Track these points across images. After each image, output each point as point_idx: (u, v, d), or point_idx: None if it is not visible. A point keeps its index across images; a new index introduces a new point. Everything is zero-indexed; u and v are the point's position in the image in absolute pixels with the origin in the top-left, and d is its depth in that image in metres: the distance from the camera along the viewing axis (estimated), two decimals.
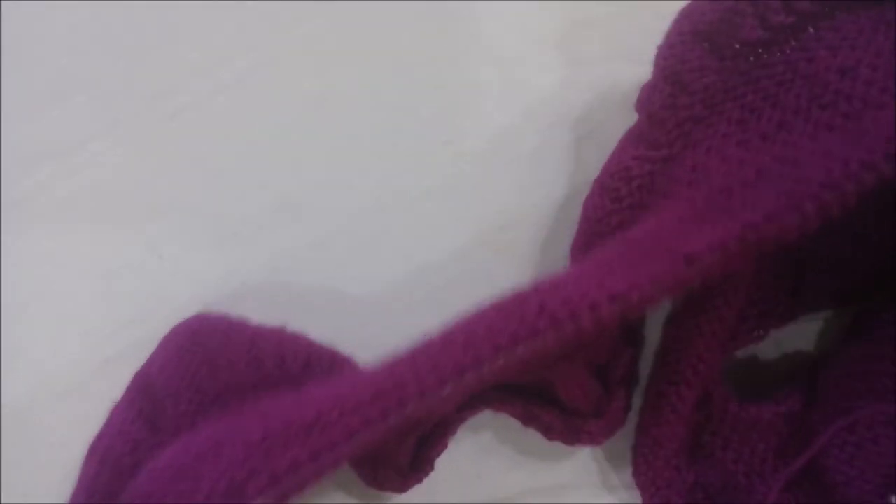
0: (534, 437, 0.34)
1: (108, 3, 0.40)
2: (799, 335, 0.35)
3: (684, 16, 0.28)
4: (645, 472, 0.32)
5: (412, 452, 0.30)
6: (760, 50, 0.25)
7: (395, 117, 0.38)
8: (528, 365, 0.19)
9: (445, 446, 0.32)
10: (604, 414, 0.31)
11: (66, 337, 0.35)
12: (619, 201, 0.28)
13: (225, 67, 0.40)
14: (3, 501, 0.32)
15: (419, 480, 0.32)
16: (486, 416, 0.33)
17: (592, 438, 0.32)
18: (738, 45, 0.25)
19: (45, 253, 0.36)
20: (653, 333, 0.34)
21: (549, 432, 0.32)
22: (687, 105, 0.26)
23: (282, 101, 0.39)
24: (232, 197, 0.38)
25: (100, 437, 0.29)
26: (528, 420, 0.32)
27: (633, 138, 0.29)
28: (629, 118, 0.31)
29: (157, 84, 0.39)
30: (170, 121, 0.39)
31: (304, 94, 0.39)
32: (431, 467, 0.32)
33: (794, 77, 0.23)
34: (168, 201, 0.37)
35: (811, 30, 0.24)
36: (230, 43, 0.40)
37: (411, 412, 0.15)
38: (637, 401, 0.33)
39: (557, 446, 0.33)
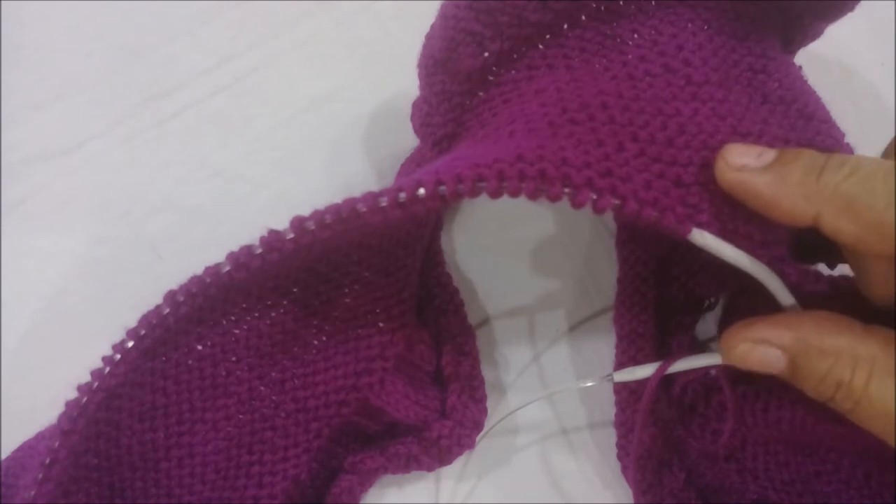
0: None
1: (108, 3, 0.40)
2: None
3: (426, 40, 0.29)
4: (633, 472, 0.32)
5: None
6: (496, 68, 0.28)
7: (394, 117, 0.38)
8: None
9: None
10: (447, 413, 0.32)
11: (67, 336, 0.35)
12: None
13: (225, 67, 0.40)
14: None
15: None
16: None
17: (455, 440, 0.32)
18: (466, 72, 0.28)
19: (45, 253, 0.36)
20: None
21: (418, 463, 0.32)
22: (440, 124, 0.29)
23: (282, 101, 0.39)
24: (232, 196, 0.38)
25: None
26: (394, 463, 0.32)
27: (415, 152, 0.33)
28: None
29: (157, 84, 0.39)
30: (170, 121, 0.39)
31: (304, 94, 0.39)
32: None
33: (515, 95, 0.27)
34: (168, 201, 0.37)
35: (540, 46, 0.27)
36: (230, 43, 0.40)
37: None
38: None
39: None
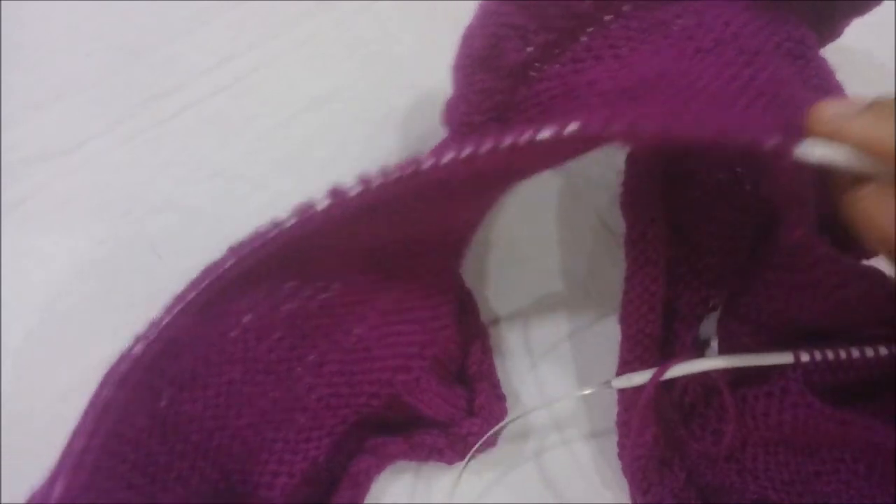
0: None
1: (108, 3, 0.40)
2: None
3: (462, 40, 0.29)
4: (633, 471, 0.32)
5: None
6: (538, 63, 0.28)
7: (395, 117, 0.38)
8: None
9: None
10: (476, 411, 0.32)
11: (67, 337, 0.35)
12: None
13: (225, 67, 0.40)
14: (3, 502, 0.32)
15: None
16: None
17: (480, 438, 0.32)
18: (509, 67, 0.28)
19: (45, 253, 0.36)
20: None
21: (440, 455, 0.32)
22: (481, 122, 0.29)
23: (282, 101, 0.39)
24: (232, 196, 0.38)
25: None
26: (417, 452, 0.32)
27: (442, 147, 0.32)
28: None
29: (157, 84, 0.39)
30: (170, 121, 0.39)
31: (304, 94, 0.39)
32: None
33: (562, 90, 0.27)
34: (168, 201, 0.37)
35: (583, 38, 0.27)
36: (230, 43, 0.40)
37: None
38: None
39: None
